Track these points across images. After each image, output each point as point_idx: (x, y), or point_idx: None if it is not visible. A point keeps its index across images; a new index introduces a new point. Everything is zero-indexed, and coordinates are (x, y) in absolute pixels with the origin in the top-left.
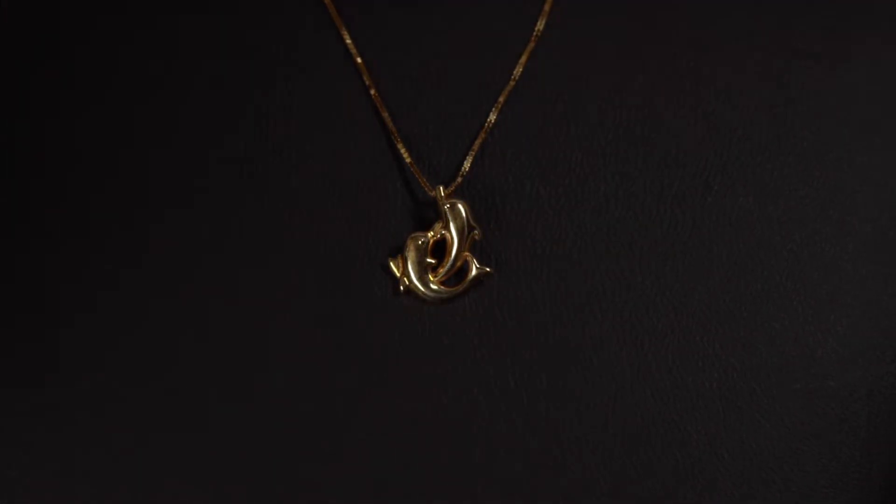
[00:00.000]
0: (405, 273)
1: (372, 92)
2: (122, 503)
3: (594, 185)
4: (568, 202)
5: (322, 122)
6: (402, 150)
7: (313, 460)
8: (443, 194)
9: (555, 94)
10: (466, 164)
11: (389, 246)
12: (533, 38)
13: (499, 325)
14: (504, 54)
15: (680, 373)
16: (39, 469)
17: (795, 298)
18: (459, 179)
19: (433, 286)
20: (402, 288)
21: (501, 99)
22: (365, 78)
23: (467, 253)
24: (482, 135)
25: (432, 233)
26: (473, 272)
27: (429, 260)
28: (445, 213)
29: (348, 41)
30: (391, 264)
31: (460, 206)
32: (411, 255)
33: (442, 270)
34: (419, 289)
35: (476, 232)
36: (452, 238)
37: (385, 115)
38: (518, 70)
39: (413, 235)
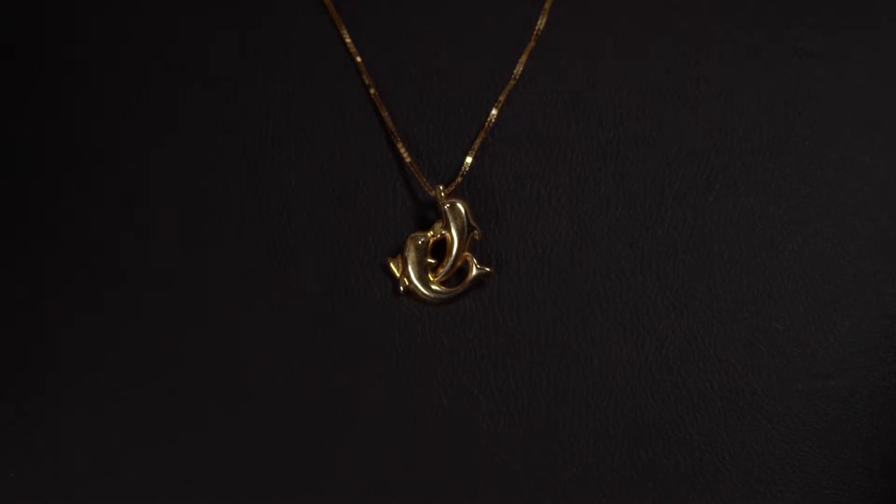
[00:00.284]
0: (405, 273)
1: (372, 91)
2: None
3: (595, 185)
4: (568, 202)
5: (322, 121)
6: (402, 150)
7: (313, 460)
8: (443, 194)
9: (555, 93)
10: (467, 164)
11: (389, 246)
12: (533, 37)
13: (499, 326)
14: (504, 53)
15: (681, 373)
16: (39, 470)
17: (797, 298)
18: (460, 179)
19: (433, 286)
20: (401, 288)
21: (502, 98)
22: (364, 77)
23: (467, 253)
24: (482, 134)
25: (432, 233)
26: (474, 272)
27: (429, 260)
28: (445, 213)
29: (348, 40)
30: (391, 264)
31: (460, 206)
32: (411, 256)
33: (442, 270)
34: (419, 289)
35: (476, 232)
36: (452, 238)
37: (385, 114)
38: (518, 69)
39: (413, 235)
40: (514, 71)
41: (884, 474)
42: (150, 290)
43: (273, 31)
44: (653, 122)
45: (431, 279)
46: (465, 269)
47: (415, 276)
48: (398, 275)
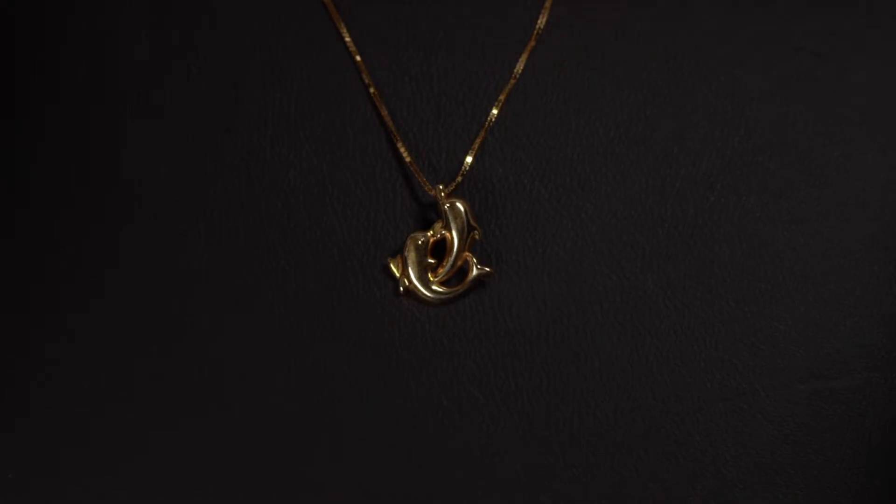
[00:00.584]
0: (405, 273)
1: (371, 90)
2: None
3: (595, 184)
4: (569, 201)
5: (321, 121)
6: (402, 150)
7: (313, 460)
8: (443, 194)
9: (556, 92)
10: (467, 163)
11: (389, 246)
12: (534, 36)
13: (499, 326)
14: (505, 51)
15: (682, 373)
16: (37, 470)
17: (798, 299)
18: (460, 178)
19: (433, 286)
20: (401, 289)
21: (502, 97)
22: (364, 76)
23: (468, 253)
24: (483, 133)
25: (432, 232)
26: (474, 272)
27: (429, 260)
28: (445, 213)
29: (347, 39)
30: (391, 265)
31: (460, 206)
32: (411, 256)
33: (442, 270)
34: (419, 289)
35: (476, 232)
36: (453, 238)
37: (384, 113)
38: (519, 67)
39: (412, 235)
40: (515, 70)
41: (886, 475)
42: (148, 291)
43: (272, 30)
44: (654, 122)
45: (431, 279)
46: (465, 269)
47: (415, 276)
48: (398, 275)
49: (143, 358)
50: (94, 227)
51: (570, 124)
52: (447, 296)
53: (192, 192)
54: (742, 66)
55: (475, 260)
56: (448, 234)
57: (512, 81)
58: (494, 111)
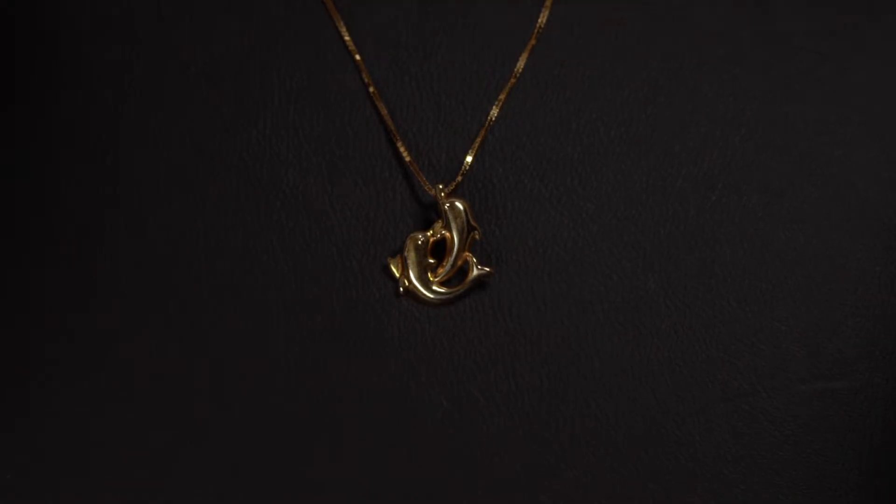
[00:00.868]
0: (405, 273)
1: (371, 90)
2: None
3: (596, 184)
4: (570, 201)
5: (320, 120)
6: (402, 149)
7: (313, 461)
8: (442, 194)
9: (556, 91)
10: (467, 163)
11: (389, 246)
12: (534, 34)
13: (499, 326)
14: (505, 50)
15: (682, 374)
16: (36, 471)
17: (800, 299)
18: (460, 178)
19: (433, 287)
20: (401, 289)
21: (502, 96)
22: (364, 76)
23: (468, 253)
24: (483, 133)
25: (431, 232)
26: (474, 273)
27: (429, 260)
28: (445, 213)
29: (347, 38)
30: (391, 265)
31: (460, 206)
32: (411, 256)
33: (442, 270)
34: (419, 289)
35: (476, 232)
36: (453, 238)
37: (384, 113)
38: (519, 66)
39: (412, 235)
40: (515, 69)
41: (887, 476)
42: (148, 291)
43: (271, 29)
44: (655, 121)
45: (431, 279)
46: (465, 269)
47: (414, 276)
48: (398, 275)
49: (143, 358)
50: (93, 227)
51: (571, 124)
52: (447, 296)
53: (191, 192)
54: (743, 65)
55: (475, 260)
56: (448, 234)
57: (512, 80)
58: (495, 110)
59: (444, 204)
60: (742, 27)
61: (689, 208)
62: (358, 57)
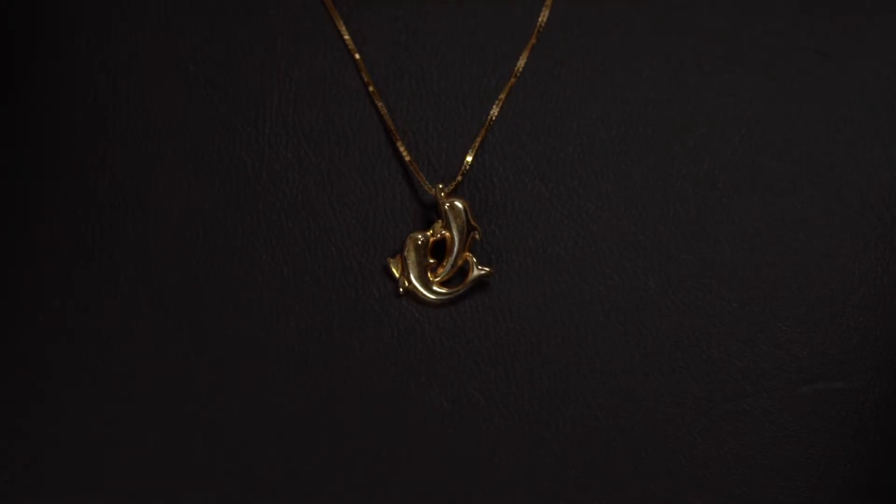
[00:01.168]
0: (405, 274)
1: (370, 89)
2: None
3: (597, 184)
4: (570, 200)
5: (320, 120)
6: (402, 149)
7: (313, 461)
8: (443, 193)
9: (557, 91)
10: (467, 163)
11: (389, 246)
12: (535, 33)
13: (499, 326)
14: (505, 49)
15: (683, 374)
16: (35, 472)
17: (801, 299)
18: (460, 178)
19: (433, 287)
20: (401, 289)
21: (503, 95)
22: (363, 75)
23: (468, 253)
24: (483, 132)
25: (431, 232)
26: (474, 273)
27: (429, 260)
28: (446, 213)
29: (346, 37)
30: (391, 265)
31: (460, 206)
32: (410, 256)
33: (442, 270)
34: (419, 290)
35: (476, 232)
36: (453, 238)
37: (384, 112)
38: (520, 65)
39: (412, 235)
40: (516, 68)
41: (889, 476)
42: (147, 291)
43: (270, 28)
44: (656, 120)
45: (432, 279)
46: (465, 269)
47: (414, 276)
48: (398, 275)
49: (143, 358)
50: (93, 226)
51: (572, 123)
52: (447, 296)
53: (190, 192)
54: (743, 65)
55: (475, 260)
56: (448, 234)
57: (513, 80)
58: (495, 110)
59: (444, 204)
60: (743, 26)
61: (690, 208)
62: (357, 56)
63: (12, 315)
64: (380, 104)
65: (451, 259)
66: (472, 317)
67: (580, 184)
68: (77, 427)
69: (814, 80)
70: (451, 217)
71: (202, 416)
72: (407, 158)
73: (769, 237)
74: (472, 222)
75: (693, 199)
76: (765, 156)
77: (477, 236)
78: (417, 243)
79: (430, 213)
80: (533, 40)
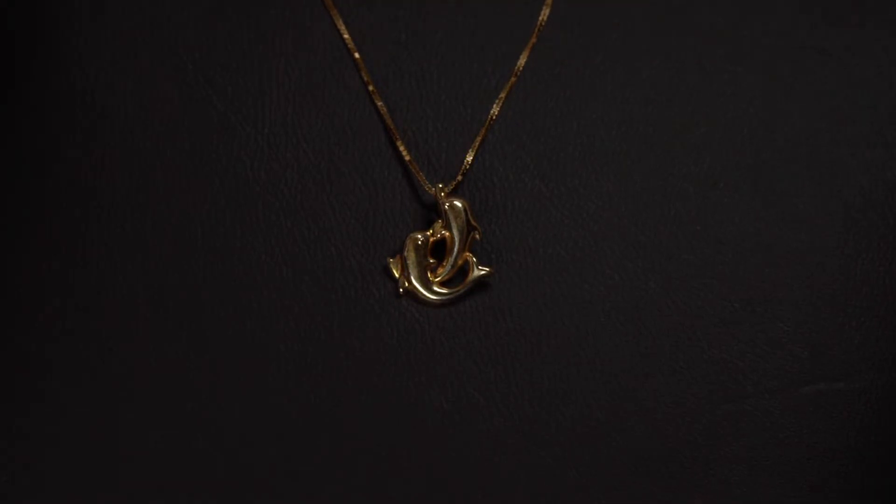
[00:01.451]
0: (405, 274)
1: (370, 88)
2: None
3: (597, 183)
4: (570, 200)
5: (319, 119)
6: (402, 148)
7: (312, 461)
8: (443, 193)
9: (558, 90)
10: (467, 162)
11: (390, 246)
12: (535, 32)
13: (499, 326)
14: (506, 48)
15: (684, 374)
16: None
17: (803, 299)
18: (460, 177)
19: (434, 287)
20: (401, 290)
21: (503, 94)
22: (363, 74)
23: (468, 253)
24: (483, 131)
25: (431, 232)
26: (474, 273)
27: (429, 260)
28: (446, 213)
29: (346, 36)
30: (391, 265)
31: (460, 205)
32: (410, 256)
33: (442, 271)
34: (419, 290)
35: (476, 232)
36: (453, 238)
37: (384, 111)
38: (520, 64)
39: (411, 235)
40: (516, 66)
41: (892, 477)
42: (146, 291)
43: (269, 27)
44: (656, 119)
45: (432, 279)
46: (465, 269)
47: (414, 276)
48: (398, 275)
49: (143, 358)
50: (92, 226)
51: (572, 122)
52: (448, 297)
53: (189, 192)
54: (744, 64)
55: (475, 260)
56: (448, 234)
57: (513, 79)
58: (495, 109)
59: (444, 203)
60: (744, 25)
61: (691, 208)
62: (357, 55)
63: (12, 315)
64: (379, 103)
65: (452, 259)
66: (472, 317)
67: (581, 183)
68: (77, 427)
69: (815, 80)
70: (451, 217)
71: (202, 416)
72: (407, 158)
73: (770, 237)
74: (473, 222)
75: (694, 198)
76: (766, 155)
77: (477, 236)
78: (417, 243)
79: (430, 213)
80: (533, 39)
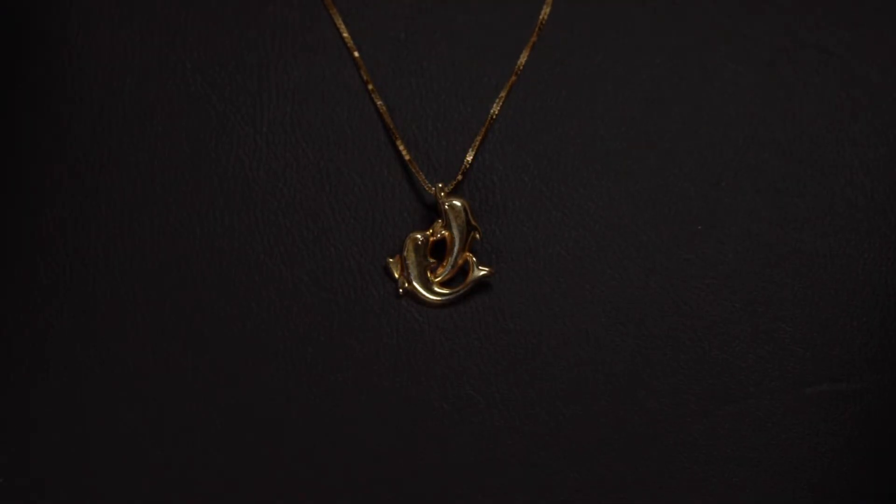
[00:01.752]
0: (404, 274)
1: (370, 87)
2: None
3: (598, 183)
4: (571, 200)
5: (318, 118)
6: (402, 148)
7: (312, 461)
8: (443, 193)
9: (559, 88)
10: (467, 161)
11: (389, 247)
12: (536, 30)
13: (500, 327)
14: (506, 46)
15: (685, 375)
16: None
17: (805, 299)
18: (460, 177)
19: (434, 288)
20: (401, 290)
21: (503, 93)
22: (362, 73)
23: (468, 254)
24: (483, 131)
25: (431, 232)
26: (475, 273)
27: (429, 260)
28: (446, 213)
29: (345, 34)
30: (390, 265)
31: (460, 205)
32: (410, 256)
33: (442, 271)
34: (419, 290)
35: (476, 232)
36: (453, 238)
37: (383, 110)
38: (521, 62)
39: (411, 235)
40: (517, 65)
41: (894, 479)
42: (146, 291)
43: (269, 26)
44: (658, 118)
45: (432, 279)
46: (465, 269)
47: (414, 276)
48: (397, 276)
49: (142, 358)
50: (91, 226)
51: (573, 121)
52: (448, 297)
53: (188, 192)
54: (746, 63)
55: (475, 260)
56: (448, 234)
57: (513, 77)
58: (496, 108)
59: (443, 203)
60: (745, 24)
61: (692, 207)
62: (356, 54)
63: (12, 315)
64: (379, 103)
65: (452, 259)
66: (472, 317)
67: (581, 183)
68: (76, 427)
69: (817, 79)
70: (451, 217)
71: (202, 416)
72: (406, 157)
73: (772, 237)
74: (473, 222)
75: (695, 198)
76: (768, 154)
77: (477, 236)
78: (417, 243)
79: (431, 213)
80: (534, 38)
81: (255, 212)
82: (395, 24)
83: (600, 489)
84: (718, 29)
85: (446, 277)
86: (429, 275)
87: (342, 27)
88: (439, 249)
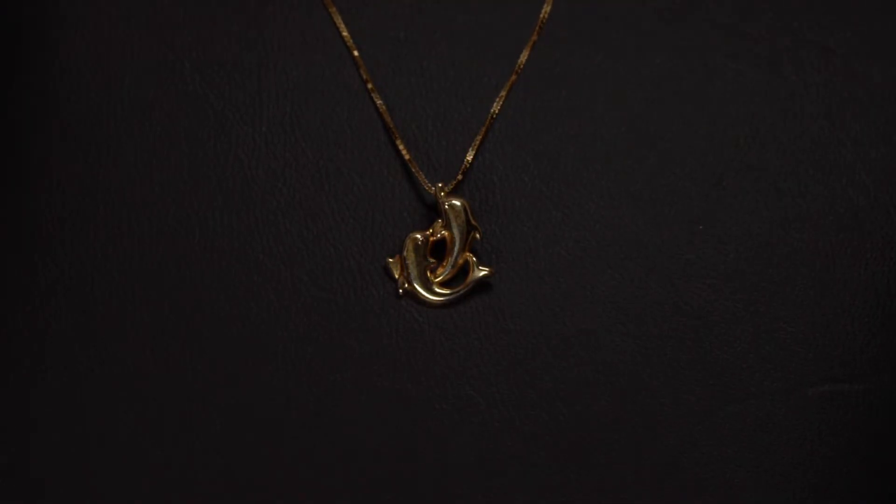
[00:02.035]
0: (404, 274)
1: (369, 86)
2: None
3: (598, 182)
4: (571, 199)
5: (318, 118)
6: (401, 147)
7: (312, 461)
8: (442, 192)
9: (559, 88)
10: (468, 161)
11: (389, 247)
12: (536, 28)
13: (500, 327)
14: (507, 45)
15: (686, 376)
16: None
17: (806, 300)
18: (460, 177)
19: (434, 288)
20: (401, 290)
21: (504, 92)
22: (362, 72)
23: (468, 254)
24: (484, 130)
25: (430, 232)
26: (475, 273)
27: (429, 259)
28: (446, 213)
29: (345, 34)
30: (390, 265)
31: (460, 205)
32: (410, 256)
33: (442, 271)
34: (419, 290)
35: (476, 232)
36: (453, 238)
37: (383, 110)
38: (521, 61)
39: (411, 235)
40: (517, 64)
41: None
42: (146, 291)
43: (268, 25)
44: (658, 118)
45: (432, 279)
46: (465, 269)
47: (414, 277)
48: (397, 276)
49: (142, 358)
50: (90, 226)
51: (574, 120)
52: (448, 297)
53: (187, 191)
54: (748, 62)
55: (475, 260)
56: (448, 234)
57: (513, 77)
58: (496, 107)
59: (443, 203)
60: (747, 23)
61: (693, 207)
62: (356, 53)
63: (11, 314)
64: (379, 102)
65: (452, 259)
66: (472, 317)
67: (582, 182)
68: (76, 427)
69: (819, 77)
70: (451, 216)
71: (202, 416)
72: (406, 157)
73: (773, 236)
74: (473, 222)
75: (696, 197)
76: (769, 153)
77: (477, 236)
78: (417, 243)
79: (430, 213)
80: (534, 36)
81: (254, 211)
82: (394, 23)
83: (600, 489)
84: (719, 28)
85: (446, 277)
86: (429, 275)
87: (342, 26)
88: (439, 249)
